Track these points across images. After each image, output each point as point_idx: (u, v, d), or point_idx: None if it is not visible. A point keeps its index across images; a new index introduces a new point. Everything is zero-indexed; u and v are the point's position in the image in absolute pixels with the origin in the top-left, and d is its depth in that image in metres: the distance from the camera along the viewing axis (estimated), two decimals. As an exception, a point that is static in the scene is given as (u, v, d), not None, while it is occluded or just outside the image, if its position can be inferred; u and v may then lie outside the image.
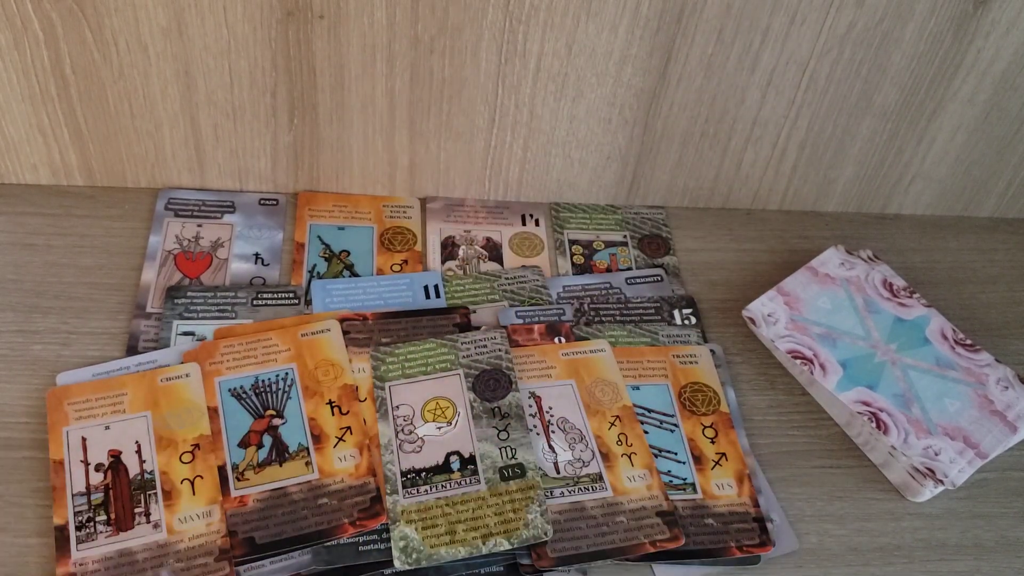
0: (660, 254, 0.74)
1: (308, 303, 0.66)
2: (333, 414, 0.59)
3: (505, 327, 0.65)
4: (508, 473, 0.57)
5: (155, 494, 0.54)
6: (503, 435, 0.59)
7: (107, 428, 0.57)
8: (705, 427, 0.62)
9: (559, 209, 0.76)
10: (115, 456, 0.56)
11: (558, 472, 0.58)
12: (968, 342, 0.67)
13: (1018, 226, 0.82)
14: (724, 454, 0.61)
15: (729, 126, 0.72)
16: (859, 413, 0.62)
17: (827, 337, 0.66)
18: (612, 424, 0.61)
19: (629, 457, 0.60)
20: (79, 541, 0.52)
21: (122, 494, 0.54)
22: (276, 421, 0.59)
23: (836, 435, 0.64)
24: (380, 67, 0.65)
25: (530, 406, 0.61)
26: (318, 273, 0.68)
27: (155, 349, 0.62)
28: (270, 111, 0.67)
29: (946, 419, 0.62)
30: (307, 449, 0.58)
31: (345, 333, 0.63)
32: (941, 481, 0.59)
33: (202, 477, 0.55)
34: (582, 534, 0.56)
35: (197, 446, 0.57)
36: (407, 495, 0.56)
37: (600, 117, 0.70)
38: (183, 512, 0.54)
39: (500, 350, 0.63)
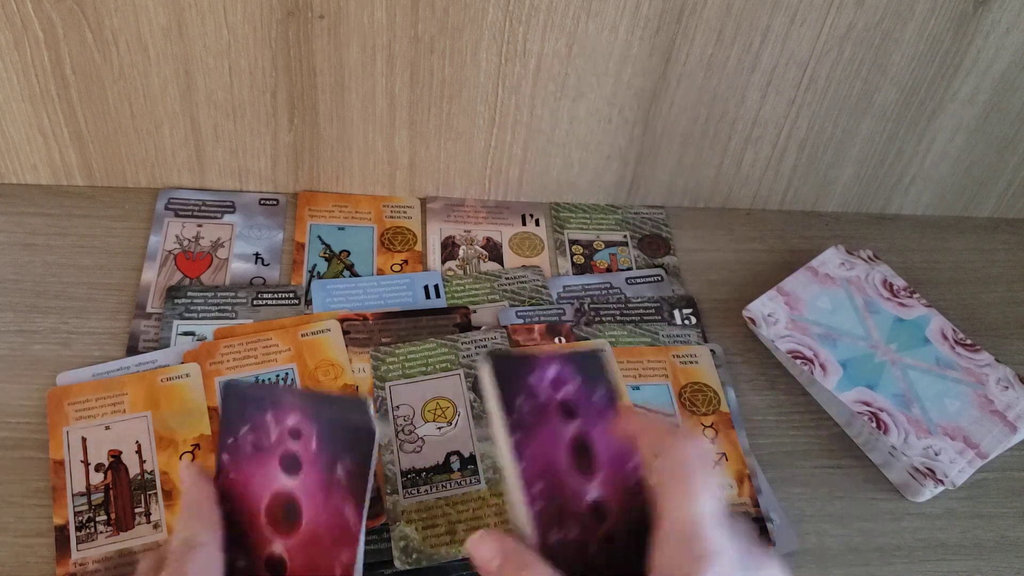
0: (660, 254, 0.74)
1: (308, 303, 0.66)
2: (333, 414, 0.59)
3: (505, 327, 0.65)
4: (508, 473, 0.57)
5: (155, 494, 0.55)
6: (503, 435, 0.59)
7: (107, 428, 0.57)
8: (705, 427, 0.62)
9: (559, 209, 0.76)
10: (115, 456, 0.56)
11: (558, 472, 0.58)
12: (968, 342, 0.67)
13: (1018, 226, 0.82)
14: (724, 454, 0.61)
15: (729, 126, 0.72)
16: (859, 413, 0.62)
17: (827, 337, 0.66)
18: (612, 424, 0.61)
19: (629, 457, 0.60)
20: (79, 541, 0.52)
21: (122, 494, 0.54)
22: (276, 421, 0.59)
23: (836, 435, 0.64)
24: (380, 67, 0.65)
25: (530, 406, 0.61)
26: (318, 273, 0.68)
27: (155, 349, 0.62)
28: (270, 111, 0.67)
29: (946, 419, 0.62)
30: (307, 449, 0.58)
31: (345, 333, 0.63)
32: (941, 481, 0.59)
33: (202, 477, 0.55)
34: (582, 534, 0.56)
35: (197, 446, 0.57)
36: (407, 495, 0.56)
37: (600, 117, 0.70)
38: (183, 512, 0.54)
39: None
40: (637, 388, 0.64)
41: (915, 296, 0.70)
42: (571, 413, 0.42)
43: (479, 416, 0.60)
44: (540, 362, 0.42)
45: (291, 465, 0.42)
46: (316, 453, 0.42)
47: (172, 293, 0.65)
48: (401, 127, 0.69)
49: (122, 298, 0.65)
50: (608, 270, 0.72)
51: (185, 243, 0.69)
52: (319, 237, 0.71)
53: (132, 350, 0.62)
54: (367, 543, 0.54)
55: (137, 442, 0.56)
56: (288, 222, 0.72)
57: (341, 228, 0.72)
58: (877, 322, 0.68)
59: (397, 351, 0.63)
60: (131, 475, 0.55)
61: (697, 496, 0.37)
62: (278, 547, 0.42)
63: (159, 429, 0.57)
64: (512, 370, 0.41)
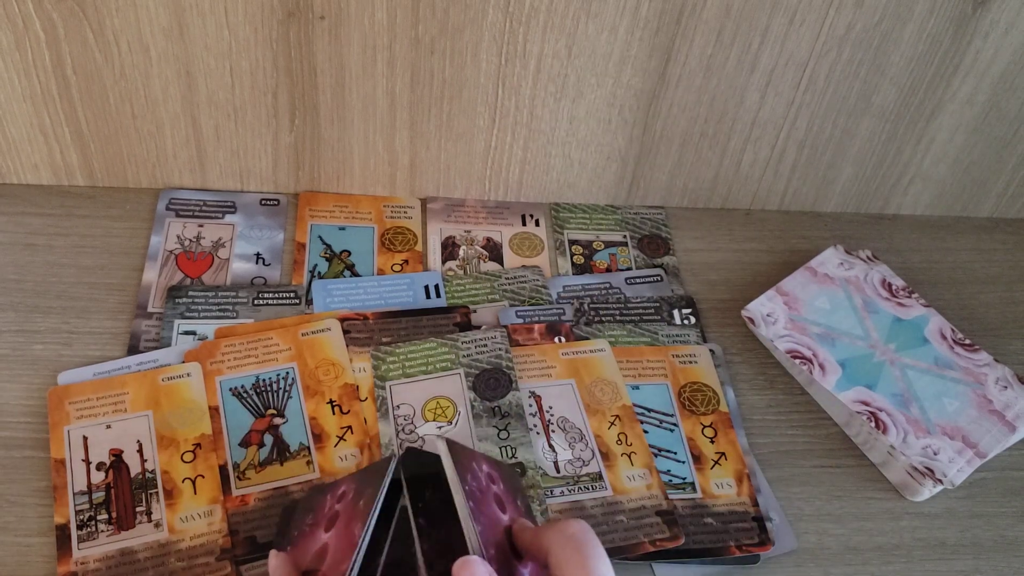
0: (660, 254, 0.74)
1: (309, 303, 0.66)
2: (334, 413, 0.59)
3: (505, 327, 0.65)
4: (508, 472, 0.58)
5: (156, 493, 0.55)
6: (503, 434, 0.59)
7: (108, 427, 0.57)
8: (704, 427, 0.63)
9: (559, 209, 0.76)
10: (116, 455, 0.56)
11: (558, 471, 0.59)
12: (967, 342, 0.67)
13: (1017, 226, 0.82)
14: (723, 453, 0.61)
15: (728, 127, 0.72)
16: (858, 413, 0.62)
17: (826, 337, 0.66)
18: (612, 423, 0.61)
19: (629, 456, 0.60)
20: (80, 540, 0.52)
21: (123, 493, 0.54)
22: (277, 420, 0.59)
23: (835, 435, 0.65)
24: (381, 68, 0.65)
25: (530, 405, 0.61)
26: (319, 273, 0.69)
27: (156, 348, 0.62)
28: (271, 111, 0.67)
29: (945, 419, 0.62)
30: (308, 448, 0.58)
31: (346, 333, 0.63)
32: (940, 480, 0.59)
33: (203, 476, 0.56)
34: (582, 533, 0.56)
35: (198, 445, 0.57)
36: (407, 494, 0.56)
37: (600, 118, 0.70)
38: (184, 511, 0.54)
39: (500, 350, 0.63)
40: (636, 388, 0.64)
41: (914, 296, 0.70)
42: (502, 507, 0.46)
43: (479, 416, 0.60)
44: (475, 456, 0.48)
45: (331, 523, 0.46)
46: (351, 501, 0.46)
47: (173, 293, 0.65)
48: (402, 128, 0.69)
49: (123, 298, 0.65)
50: (608, 270, 0.73)
51: (186, 243, 0.69)
52: (320, 237, 0.71)
53: (133, 350, 0.62)
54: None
55: (138, 441, 0.56)
56: (289, 222, 0.72)
57: (342, 228, 0.72)
58: (876, 322, 0.68)
59: (397, 351, 0.63)
60: (132, 474, 0.55)
61: (594, 562, 0.40)
62: None
63: (160, 428, 0.57)
64: (461, 453, 0.46)
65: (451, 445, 0.46)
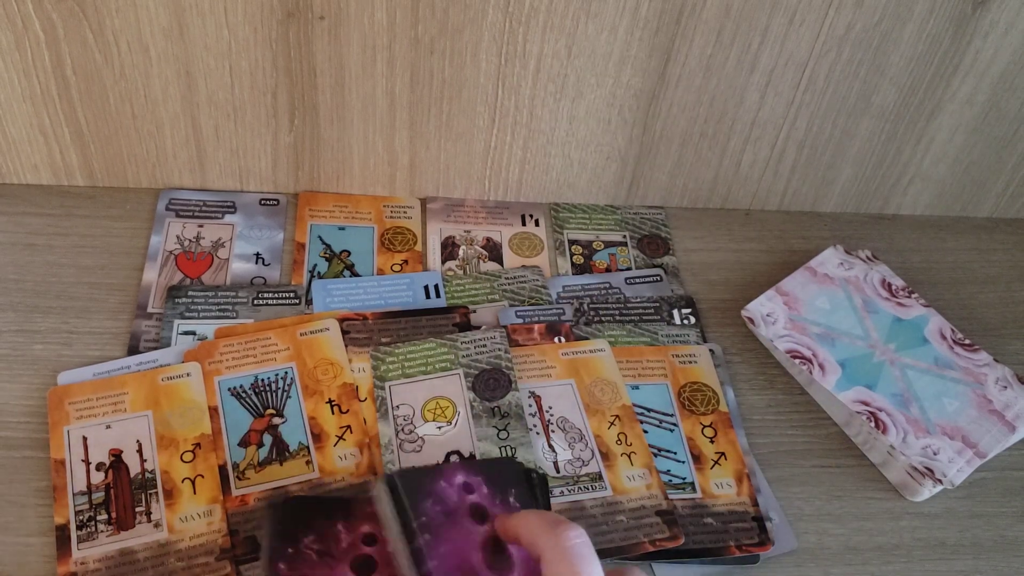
0: (659, 254, 0.74)
1: (309, 303, 0.66)
2: (333, 413, 0.59)
3: (505, 327, 0.65)
4: (508, 472, 0.58)
5: (156, 493, 0.55)
6: (503, 435, 0.59)
7: (108, 427, 0.57)
8: (704, 426, 0.63)
9: (559, 209, 0.76)
10: (116, 455, 0.56)
11: (558, 471, 0.59)
12: (967, 342, 0.67)
13: (1016, 226, 0.82)
14: (723, 453, 0.61)
15: (728, 127, 0.72)
16: (858, 413, 0.62)
17: (826, 337, 0.66)
18: (611, 423, 0.61)
19: (628, 456, 0.60)
20: (80, 540, 0.52)
21: (123, 493, 0.54)
22: (276, 420, 0.59)
23: (835, 435, 0.65)
24: (380, 68, 0.65)
25: (530, 405, 0.61)
26: (319, 273, 0.69)
27: (156, 349, 0.62)
28: (271, 111, 0.67)
29: (945, 419, 0.62)
30: (307, 448, 0.58)
31: (345, 333, 0.63)
32: (940, 480, 0.59)
33: (203, 476, 0.56)
34: (582, 533, 0.56)
35: (198, 445, 0.57)
36: (407, 494, 0.56)
37: (599, 118, 0.70)
38: (184, 511, 0.54)
39: (500, 350, 0.63)
40: (636, 388, 0.64)
41: (913, 296, 0.70)
42: (482, 516, 0.45)
43: (478, 416, 0.60)
44: (446, 472, 0.48)
45: (364, 567, 0.45)
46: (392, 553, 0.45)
47: (173, 293, 0.65)
48: (401, 128, 0.69)
49: (123, 298, 0.65)
50: (607, 270, 0.73)
51: (186, 243, 0.69)
52: (319, 237, 0.71)
53: (133, 350, 0.62)
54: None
55: (138, 441, 0.56)
56: (289, 222, 0.72)
57: (341, 228, 0.72)
58: (876, 322, 0.68)
59: (397, 351, 0.63)
60: (132, 474, 0.55)
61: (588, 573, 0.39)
62: None
63: (160, 428, 0.57)
64: (417, 481, 0.45)
65: (394, 486, 0.44)
